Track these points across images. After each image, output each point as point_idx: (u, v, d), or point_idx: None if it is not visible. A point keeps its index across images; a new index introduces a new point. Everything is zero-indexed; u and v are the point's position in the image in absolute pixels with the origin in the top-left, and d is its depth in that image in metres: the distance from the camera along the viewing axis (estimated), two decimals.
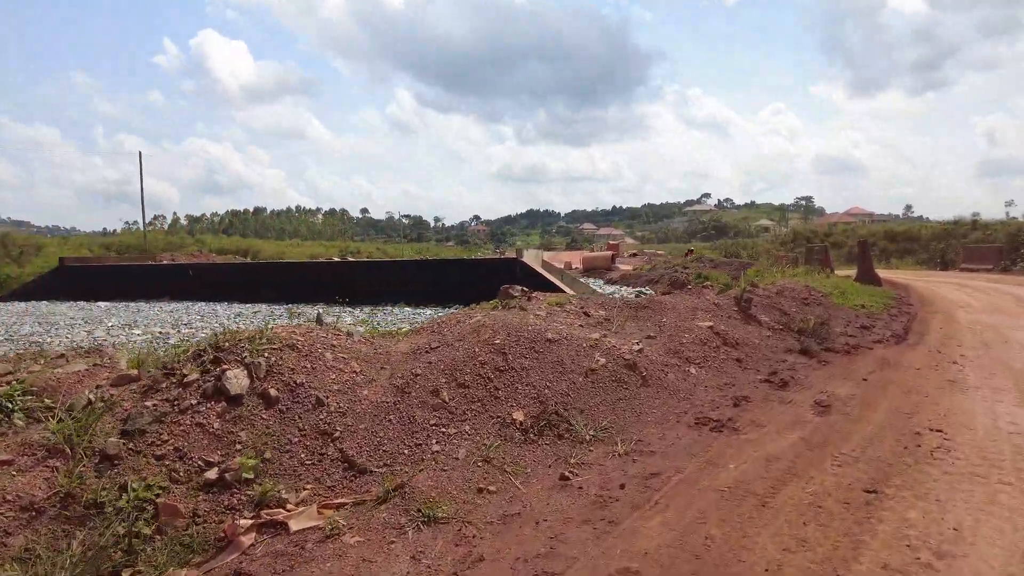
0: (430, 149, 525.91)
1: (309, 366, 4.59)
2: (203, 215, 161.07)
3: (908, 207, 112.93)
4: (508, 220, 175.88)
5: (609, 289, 34.12)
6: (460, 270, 24.59)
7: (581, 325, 6.90)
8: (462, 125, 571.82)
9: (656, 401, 5.47)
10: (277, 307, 23.05)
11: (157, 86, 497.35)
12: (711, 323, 7.54)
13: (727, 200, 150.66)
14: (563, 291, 23.13)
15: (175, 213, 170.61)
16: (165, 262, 37.55)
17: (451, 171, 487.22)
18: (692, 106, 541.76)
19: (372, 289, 24.67)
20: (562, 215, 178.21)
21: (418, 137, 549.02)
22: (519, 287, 8.74)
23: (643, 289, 31.97)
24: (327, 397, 4.36)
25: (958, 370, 6.89)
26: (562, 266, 55.01)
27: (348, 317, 20.13)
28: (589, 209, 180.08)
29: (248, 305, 24.43)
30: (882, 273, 25.01)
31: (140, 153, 43.21)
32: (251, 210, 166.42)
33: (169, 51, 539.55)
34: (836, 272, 23.29)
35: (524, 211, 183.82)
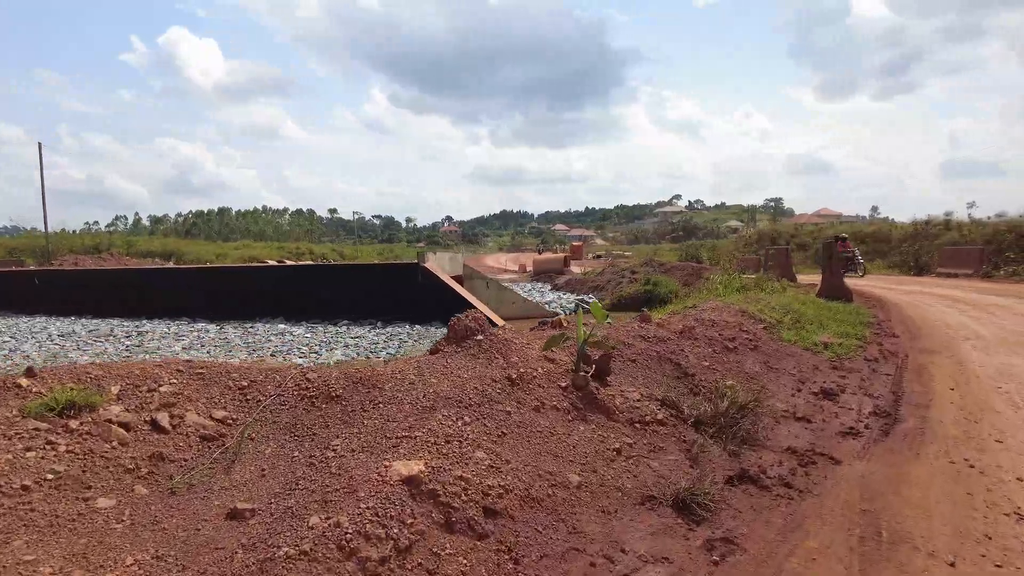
0: (405, 149, 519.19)
1: None
2: (165, 215, 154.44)
3: (875, 208, 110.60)
4: (481, 221, 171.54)
5: (551, 296, 29.89)
6: (350, 278, 20.09)
7: None
8: (438, 126, 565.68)
9: None
10: (103, 323, 18.41)
11: (125, 84, 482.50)
12: (420, 467, 3.13)
13: (698, 201, 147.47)
14: (473, 306, 18.88)
15: (137, 214, 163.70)
16: (50, 268, 32.47)
17: (426, 172, 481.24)
18: (666, 108, 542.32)
19: (244, 300, 20.11)
20: (535, 216, 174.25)
21: (393, 137, 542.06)
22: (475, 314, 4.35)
23: (586, 297, 27.80)
24: None
25: None
26: (517, 268, 50.91)
27: (177, 345, 15.70)
28: (563, 210, 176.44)
29: (66, 320, 19.65)
30: (850, 281, 21.06)
31: (40, 144, 37.91)
32: (216, 210, 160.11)
33: (137, 48, 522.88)
34: (799, 278, 19.24)
35: (497, 212, 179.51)
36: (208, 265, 34.30)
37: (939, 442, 4.62)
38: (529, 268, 44.56)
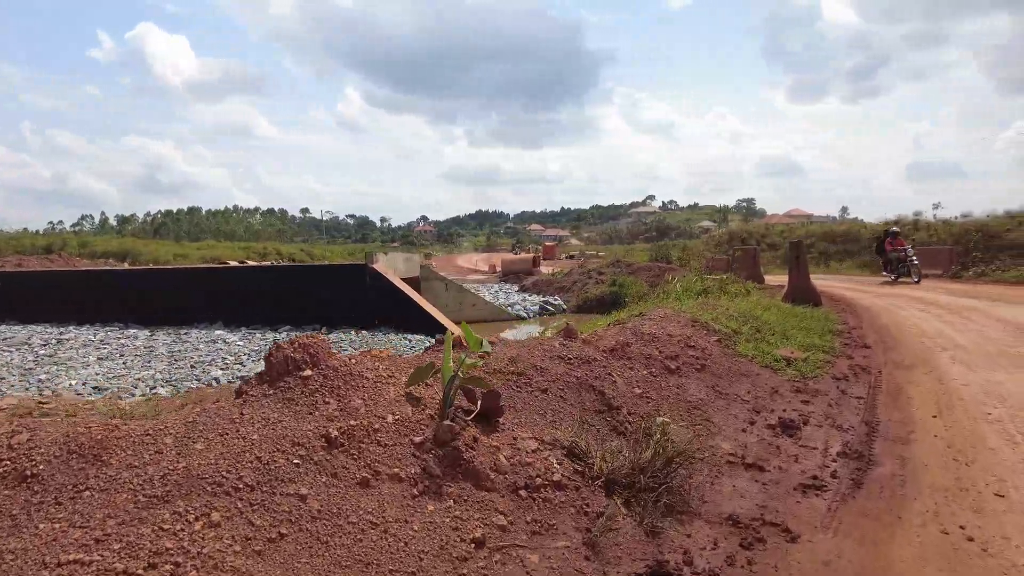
0: (380, 149, 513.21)
1: None
2: (133, 215, 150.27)
3: (844, 208, 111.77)
4: (457, 221, 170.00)
5: (516, 298, 28.75)
6: (294, 280, 18.69)
7: None
8: (413, 125, 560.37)
9: None
10: (23, 329, 16.58)
11: (92, 81, 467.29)
12: None
13: (671, 202, 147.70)
14: (424, 311, 17.63)
15: (103, 213, 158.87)
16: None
17: (401, 171, 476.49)
18: (641, 109, 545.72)
19: (180, 304, 18.61)
20: (511, 216, 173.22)
21: (368, 136, 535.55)
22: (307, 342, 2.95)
23: (551, 299, 26.72)
24: None
25: None
26: (487, 268, 49.67)
27: (94, 355, 14.08)
28: (538, 210, 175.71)
29: None
30: (820, 281, 20.25)
31: None
32: (185, 210, 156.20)
33: (104, 44, 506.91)
34: (768, 279, 18.37)
35: (473, 212, 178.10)
36: (141, 267, 32.49)
37: (925, 497, 3.57)
38: (498, 268, 43.41)
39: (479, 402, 3.42)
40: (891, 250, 18.18)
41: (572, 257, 59.50)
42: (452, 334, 4.26)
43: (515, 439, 3.36)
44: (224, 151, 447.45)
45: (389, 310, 16.97)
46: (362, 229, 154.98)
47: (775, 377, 5.81)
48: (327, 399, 2.99)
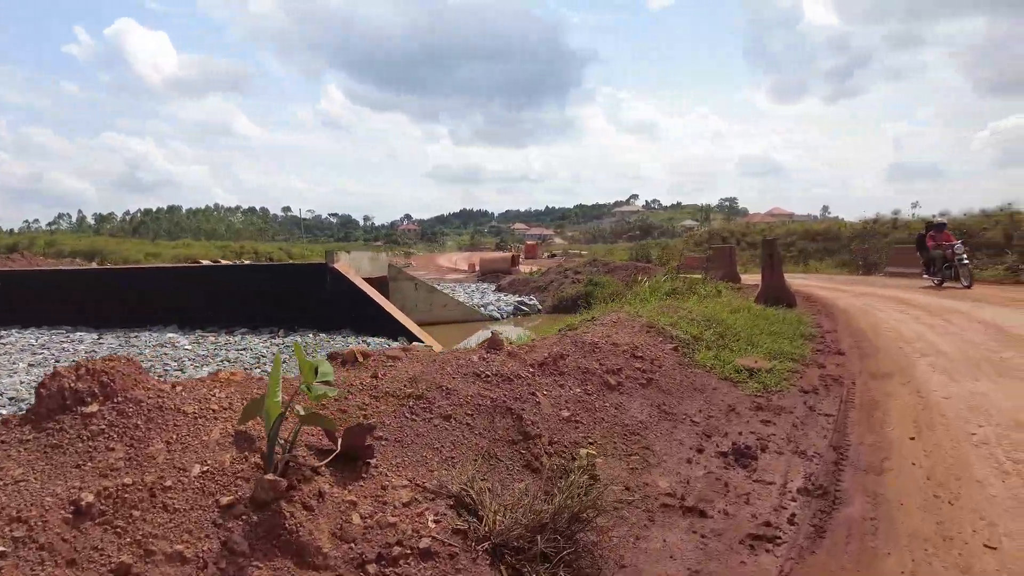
0: (363, 147, 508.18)
1: None
2: (111, 213, 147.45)
3: (825, 208, 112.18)
4: (441, 219, 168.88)
5: (492, 298, 27.99)
6: (253, 280, 17.79)
7: None
8: (396, 123, 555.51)
9: None
10: None
11: (70, 77, 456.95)
12: None
13: (654, 201, 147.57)
14: (387, 313, 16.79)
15: (80, 211, 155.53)
16: None
17: (385, 170, 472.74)
18: (624, 109, 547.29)
19: (135, 305, 17.63)
20: (495, 215, 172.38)
21: (351, 135, 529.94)
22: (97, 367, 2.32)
23: (526, 299, 26.00)
24: None
25: None
26: (467, 267, 48.80)
27: (26, 360, 13.06)
28: (522, 209, 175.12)
29: None
30: (799, 280, 19.74)
31: None
32: (165, 208, 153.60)
33: (83, 41, 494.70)
34: (746, 279, 17.78)
35: (457, 210, 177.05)
36: (95, 268, 31.30)
37: (901, 550, 2.89)
38: (476, 267, 42.62)
39: (339, 440, 2.67)
40: (934, 247, 14.46)
41: (554, 256, 58.88)
42: (355, 350, 3.53)
43: (384, 488, 2.62)
44: (205, 149, 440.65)
45: (351, 312, 16.14)
46: (345, 228, 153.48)
47: (734, 391, 5.12)
48: (112, 445, 2.23)
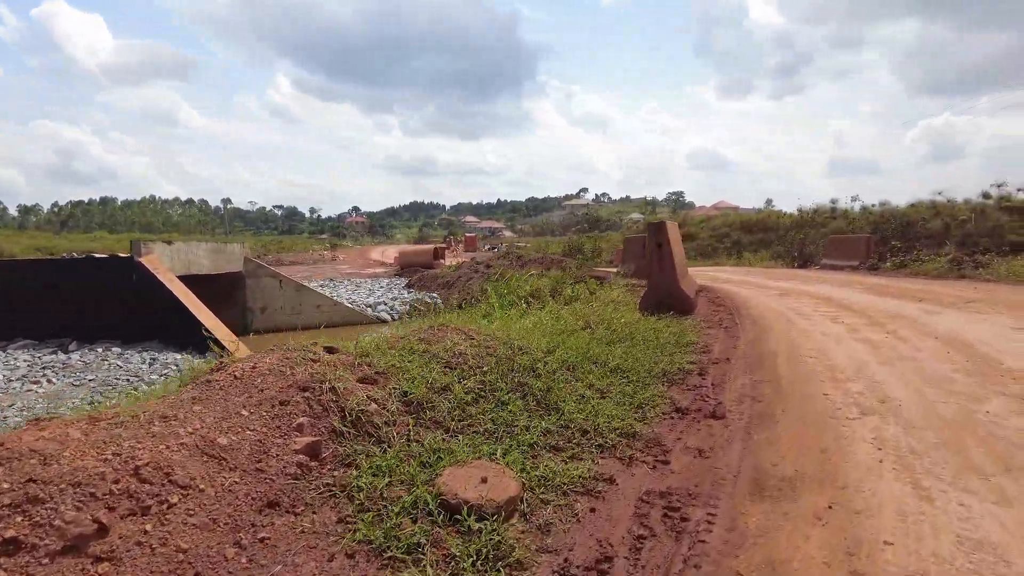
0: (312, 138, 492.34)
1: None
2: (36, 205, 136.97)
3: (769, 201, 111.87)
4: (391, 212, 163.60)
5: (397, 294, 24.49)
6: (45, 277, 13.77)
7: None
8: (347, 114, 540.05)
9: None
10: None
11: None
12: None
13: (604, 194, 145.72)
14: (197, 320, 13.02)
15: (2, 203, 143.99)
16: None
17: (334, 161, 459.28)
18: (576, 103, 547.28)
19: None
20: (447, 207, 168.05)
21: (300, 126, 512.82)
22: None
23: (428, 296, 22.66)
24: None
25: None
26: (391, 261, 44.95)
27: None
28: (475, 202, 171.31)
29: None
30: (722, 275, 16.96)
31: None
32: (97, 200, 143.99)
33: (7, 21, 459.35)
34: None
35: (408, 203, 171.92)
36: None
37: None
38: (391, 262, 38.92)
39: None
40: None
41: (494, 249, 55.62)
42: None
43: None
44: (146, 139, 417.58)
45: (162, 319, 12.44)
46: (290, 220, 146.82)
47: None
48: None
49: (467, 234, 65.51)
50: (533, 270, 20.34)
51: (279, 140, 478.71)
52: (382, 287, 27.08)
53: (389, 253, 57.80)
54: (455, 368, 3.46)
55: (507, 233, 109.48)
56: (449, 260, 35.67)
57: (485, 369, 3.54)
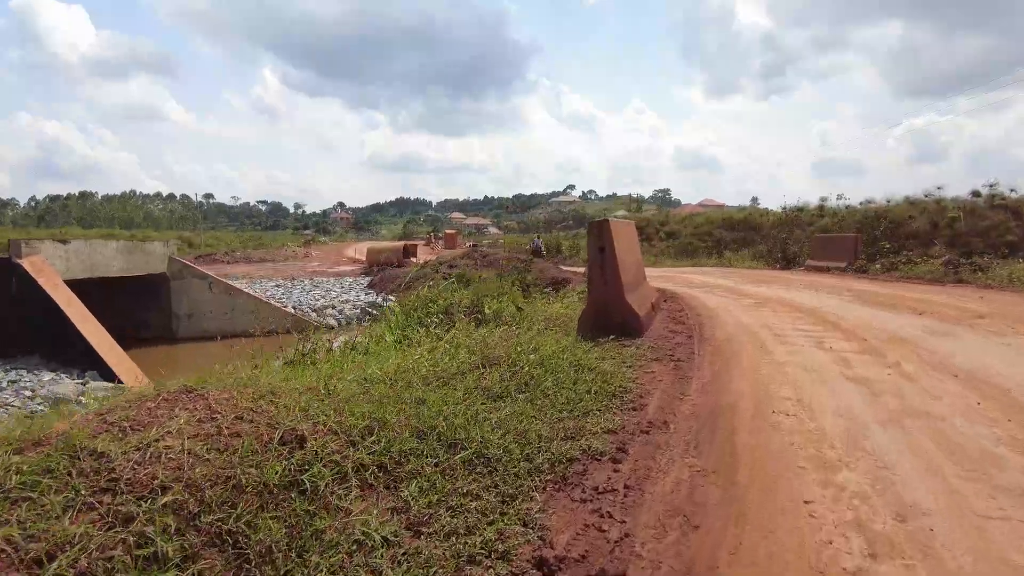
0: (298, 134, 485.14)
1: None
2: (12, 200, 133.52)
3: (755, 199, 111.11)
4: (377, 208, 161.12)
5: (354, 295, 22.70)
6: None
7: None
8: (333, 110, 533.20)
9: None
10: None
11: None
12: None
13: (591, 192, 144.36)
14: (80, 335, 11.05)
15: None
16: None
17: (320, 157, 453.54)
18: (564, 101, 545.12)
19: None
20: (433, 204, 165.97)
21: (286, 122, 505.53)
22: None
23: (383, 298, 20.94)
24: None
25: None
26: (364, 258, 43.07)
27: None
28: (462, 198, 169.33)
29: None
30: (701, 277, 15.34)
31: None
32: (76, 195, 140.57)
33: None
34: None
35: (394, 199, 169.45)
36: None
37: None
38: (360, 258, 37.05)
39: None
40: None
41: (475, 246, 53.84)
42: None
43: None
44: (130, 134, 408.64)
45: (46, 331, 10.62)
46: (275, 216, 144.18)
47: None
48: None
49: (447, 231, 63.57)
50: (485, 273, 18.52)
51: (265, 136, 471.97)
52: (341, 287, 25.28)
53: (364, 249, 55.90)
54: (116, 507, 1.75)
55: (493, 230, 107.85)
56: (424, 257, 33.86)
57: (179, 500, 1.85)
